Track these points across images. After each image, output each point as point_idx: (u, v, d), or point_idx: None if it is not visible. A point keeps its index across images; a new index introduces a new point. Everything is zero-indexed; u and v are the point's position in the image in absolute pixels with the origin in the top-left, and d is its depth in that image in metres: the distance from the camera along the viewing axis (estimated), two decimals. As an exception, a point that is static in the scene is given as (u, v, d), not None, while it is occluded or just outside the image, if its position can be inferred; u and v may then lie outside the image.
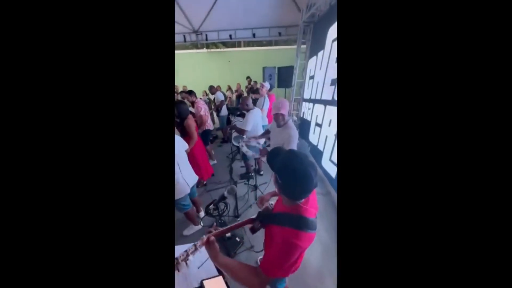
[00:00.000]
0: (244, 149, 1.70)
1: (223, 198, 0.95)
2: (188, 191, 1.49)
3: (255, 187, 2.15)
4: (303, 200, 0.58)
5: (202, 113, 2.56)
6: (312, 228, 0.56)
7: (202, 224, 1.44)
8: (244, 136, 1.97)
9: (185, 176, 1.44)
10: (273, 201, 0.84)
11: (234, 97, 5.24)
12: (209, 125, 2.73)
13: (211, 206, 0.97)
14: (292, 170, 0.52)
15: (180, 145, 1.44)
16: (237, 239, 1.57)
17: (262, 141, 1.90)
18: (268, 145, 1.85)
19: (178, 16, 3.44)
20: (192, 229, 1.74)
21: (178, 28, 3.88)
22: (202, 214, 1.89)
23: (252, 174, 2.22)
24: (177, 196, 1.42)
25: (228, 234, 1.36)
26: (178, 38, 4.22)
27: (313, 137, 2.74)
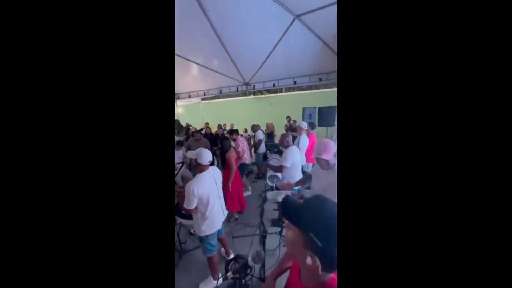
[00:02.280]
0: (270, 197, 1.37)
1: (245, 267, 0.70)
2: (220, 226, 1.39)
3: (289, 241, 1.73)
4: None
5: (240, 149, 2.92)
6: None
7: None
8: (280, 175, 1.82)
9: (217, 210, 1.36)
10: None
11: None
12: (246, 159, 3.00)
13: (229, 274, 0.71)
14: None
15: (218, 177, 1.43)
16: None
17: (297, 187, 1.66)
18: (307, 188, 1.58)
19: (233, 73, 4.42)
20: (210, 284, 1.48)
21: (232, 82, 4.91)
22: (232, 256, 1.67)
23: (286, 222, 1.87)
24: (207, 232, 1.32)
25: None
26: (232, 89, 5.29)
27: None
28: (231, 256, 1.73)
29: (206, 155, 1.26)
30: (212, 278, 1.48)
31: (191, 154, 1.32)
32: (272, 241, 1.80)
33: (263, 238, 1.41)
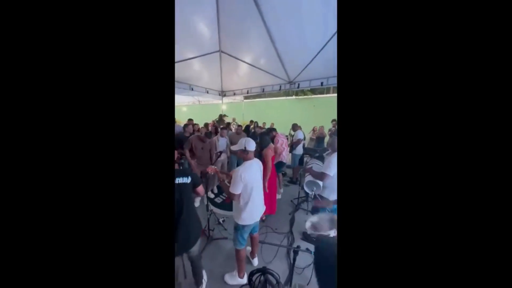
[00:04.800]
0: (308, 227, 1.12)
1: None
2: (258, 218, 1.38)
3: (324, 265, 1.43)
4: None
5: (278, 145, 2.79)
6: None
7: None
8: (321, 183, 1.54)
9: (258, 201, 1.35)
10: None
11: (314, 138, 5.02)
12: (284, 158, 2.88)
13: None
14: None
15: (259, 169, 1.40)
16: None
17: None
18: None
19: (278, 70, 4.28)
20: (234, 279, 1.45)
21: (276, 81, 4.79)
22: (256, 261, 1.63)
23: (322, 240, 1.56)
24: (246, 221, 1.31)
25: None
26: (275, 88, 5.18)
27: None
28: (256, 259, 1.62)
29: (253, 143, 1.33)
30: (237, 274, 1.45)
31: (239, 145, 1.39)
32: (302, 258, 1.56)
33: (294, 254, 1.21)
